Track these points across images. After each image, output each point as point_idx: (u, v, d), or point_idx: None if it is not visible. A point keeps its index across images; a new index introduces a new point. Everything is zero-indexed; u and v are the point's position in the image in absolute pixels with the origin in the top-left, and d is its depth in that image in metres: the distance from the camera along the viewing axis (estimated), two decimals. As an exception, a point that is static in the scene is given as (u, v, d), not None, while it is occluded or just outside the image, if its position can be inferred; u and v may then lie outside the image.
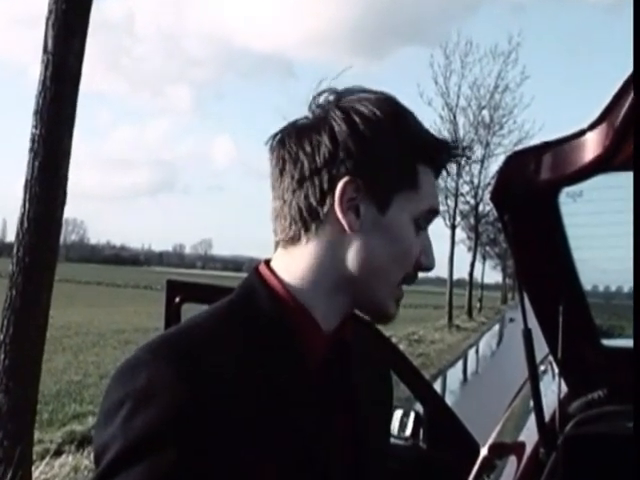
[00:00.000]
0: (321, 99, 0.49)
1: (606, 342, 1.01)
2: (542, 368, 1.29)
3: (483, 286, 29.88)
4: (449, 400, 4.57)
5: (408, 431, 1.27)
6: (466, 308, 18.47)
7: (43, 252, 2.57)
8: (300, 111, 0.50)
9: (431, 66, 14.53)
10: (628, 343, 0.96)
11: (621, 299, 1.07)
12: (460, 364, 9.30)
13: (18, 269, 2.54)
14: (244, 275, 0.54)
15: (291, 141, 0.49)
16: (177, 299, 1.22)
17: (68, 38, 2.51)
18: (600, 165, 0.71)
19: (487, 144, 15.37)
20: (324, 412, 0.48)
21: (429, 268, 0.50)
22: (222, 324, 0.47)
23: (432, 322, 14.30)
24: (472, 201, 16.06)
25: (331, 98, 0.49)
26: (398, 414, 1.28)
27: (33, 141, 2.53)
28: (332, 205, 0.48)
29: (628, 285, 0.95)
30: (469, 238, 20.92)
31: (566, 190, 0.80)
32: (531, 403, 0.92)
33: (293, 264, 0.49)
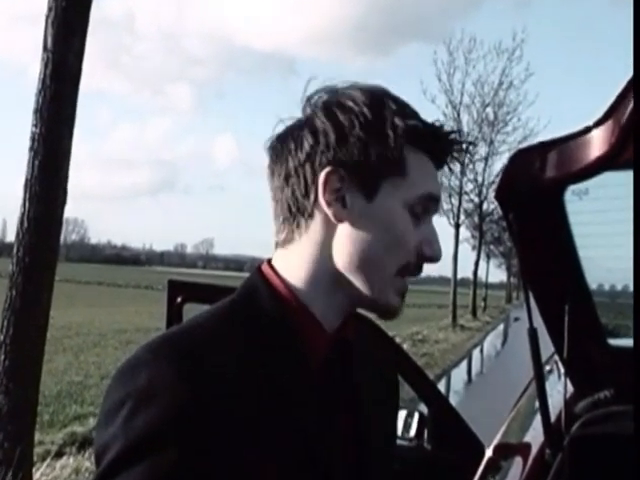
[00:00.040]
0: (313, 99, 0.49)
1: (612, 341, 1.00)
2: (548, 368, 1.28)
3: (487, 285, 29.50)
4: (453, 400, 4.56)
5: (412, 432, 1.26)
6: (470, 307, 18.35)
7: (43, 252, 2.57)
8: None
9: (434, 63, 14.49)
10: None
11: (627, 298, 1.06)
12: (464, 364, 9.29)
13: (18, 269, 2.54)
14: (246, 275, 0.54)
15: (279, 141, 0.49)
16: (179, 299, 1.22)
17: (68, 36, 2.50)
18: (606, 163, 0.70)
19: (491, 142, 15.28)
20: (326, 412, 0.47)
21: (434, 259, 0.49)
22: (224, 324, 0.47)
23: (436, 321, 14.25)
24: (476, 199, 16.00)
25: (321, 97, 0.49)
26: (402, 415, 1.28)
27: (33, 140, 2.52)
28: (317, 198, 0.48)
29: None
30: (473, 237, 20.77)
31: (572, 188, 0.79)
32: (536, 403, 0.92)
33: (291, 263, 0.49)
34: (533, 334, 0.84)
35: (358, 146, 0.47)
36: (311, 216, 0.48)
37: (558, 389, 1.01)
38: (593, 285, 0.92)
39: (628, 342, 1.01)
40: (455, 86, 14.51)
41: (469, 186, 15.52)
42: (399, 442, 1.27)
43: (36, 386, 2.59)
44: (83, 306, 13.71)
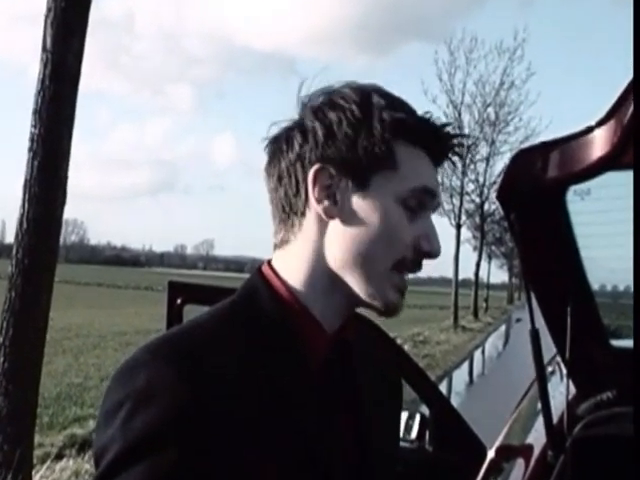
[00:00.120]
0: (306, 100, 0.50)
1: (615, 342, 1.00)
2: (550, 369, 1.28)
3: (489, 286, 29.46)
4: (455, 402, 4.56)
5: (414, 433, 1.26)
6: (472, 308, 18.30)
7: (43, 253, 2.56)
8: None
9: (435, 63, 14.44)
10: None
11: (629, 299, 1.06)
12: (466, 365, 9.26)
13: (17, 270, 2.53)
14: (246, 276, 0.54)
15: (272, 143, 0.50)
16: (179, 300, 1.21)
17: (67, 37, 2.50)
18: (608, 163, 0.70)
19: (493, 142, 15.21)
20: (326, 412, 0.47)
21: (432, 254, 0.49)
22: (224, 325, 0.47)
23: (437, 323, 14.21)
24: (477, 200, 15.95)
25: (315, 97, 0.49)
26: (403, 416, 1.27)
27: (32, 141, 2.52)
28: (308, 196, 0.48)
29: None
30: (475, 237, 20.89)
31: (574, 188, 0.79)
32: (539, 405, 0.91)
33: (289, 264, 0.49)
34: (535, 335, 0.84)
35: (346, 142, 0.47)
36: (303, 214, 0.48)
37: (560, 390, 1.01)
38: (595, 286, 0.92)
39: (631, 343, 1.00)
40: (456, 86, 14.49)
41: (470, 186, 15.52)
42: (400, 444, 1.26)
43: (35, 388, 2.58)
44: (83, 308, 13.68)
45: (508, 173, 0.77)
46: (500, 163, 15.03)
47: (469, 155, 14.55)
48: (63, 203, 2.60)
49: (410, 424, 1.26)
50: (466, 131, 13.97)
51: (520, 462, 1.00)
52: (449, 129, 0.49)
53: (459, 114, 14.38)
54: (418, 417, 1.27)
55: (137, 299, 19.03)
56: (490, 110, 14.85)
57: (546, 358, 0.93)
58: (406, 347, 7.95)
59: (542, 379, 0.87)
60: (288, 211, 0.49)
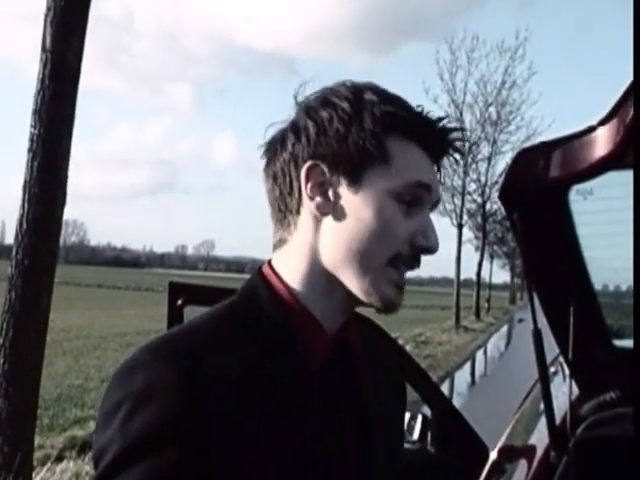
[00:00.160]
0: (302, 100, 0.50)
1: (617, 342, 0.99)
2: (552, 369, 1.27)
3: (491, 286, 29.29)
4: (457, 403, 4.55)
5: (416, 434, 1.25)
6: (474, 309, 18.23)
7: (42, 254, 2.56)
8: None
9: (437, 62, 14.39)
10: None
11: (632, 298, 1.06)
12: (468, 366, 9.23)
13: (17, 272, 2.52)
14: (247, 276, 0.53)
15: (268, 145, 0.50)
16: (179, 301, 1.21)
17: (67, 36, 2.49)
18: (611, 162, 0.69)
19: (494, 141, 15.17)
20: (327, 413, 0.47)
21: (430, 249, 0.48)
22: (224, 325, 0.47)
23: (439, 323, 14.17)
24: (479, 199, 15.91)
25: (310, 97, 0.49)
26: (406, 417, 1.27)
27: (32, 141, 2.51)
28: (301, 194, 0.48)
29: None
30: (476, 237, 20.70)
31: (576, 188, 0.78)
32: (541, 405, 0.91)
33: (288, 264, 0.49)
34: (538, 335, 0.83)
35: (337, 138, 0.47)
36: (298, 213, 0.48)
37: (563, 391, 1.00)
38: (598, 286, 0.91)
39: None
40: (458, 85, 14.44)
41: (472, 186, 15.47)
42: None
43: (36, 390, 2.57)
44: (83, 309, 13.68)
45: (510, 173, 0.76)
46: (502, 163, 15.02)
47: (471, 155, 14.53)
48: (63, 204, 2.60)
49: (412, 425, 1.26)
50: (467, 131, 14.05)
51: (523, 463, 1.00)
52: (445, 123, 0.49)
53: (461, 113, 14.34)
54: (420, 418, 1.27)
55: (138, 300, 19.02)
56: (492, 109, 14.84)
57: (549, 358, 0.93)
58: (408, 348, 7.93)
59: (545, 379, 0.86)
60: (284, 210, 0.49)
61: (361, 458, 0.49)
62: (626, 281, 1.04)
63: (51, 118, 2.50)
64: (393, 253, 0.47)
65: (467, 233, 19.39)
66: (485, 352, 11.52)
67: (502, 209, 0.83)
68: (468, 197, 15.39)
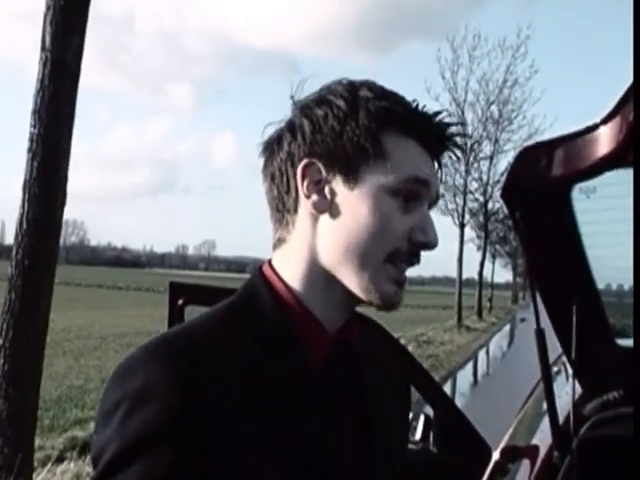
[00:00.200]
0: (299, 99, 0.50)
1: (621, 342, 0.99)
2: (555, 369, 1.27)
3: (493, 285, 29.09)
4: (459, 402, 4.55)
5: (418, 434, 1.25)
6: (476, 308, 18.16)
7: (42, 254, 2.55)
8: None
9: (438, 60, 14.35)
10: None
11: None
12: (470, 365, 9.22)
13: (17, 272, 2.52)
14: (248, 276, 0.53)
15: (265, 145, 0.50)
16: (180, 301, 1.20)
17: (66, 35, 2.49)
18: (614, 160, 0.69)
19: (496, 140, 15.10)
20: (327, 412, 0.47)
21: (428, 245, 0.48)
22: (223, 325, 0.46)
23: (441, 323, 14.15)
24: (481, 199, 15.81)
25: (307, 96, 0.49)
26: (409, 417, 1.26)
27: (32, 141, 2.51)
28: (298, 192, 0.48)
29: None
30: (478, 237, 20.58)
31: (579, 186, 0.78)
32: (544, 405, 0.90)
33: (288, 263, 0.49)
34: (540, 334, 0.83)
35: (332, 136, 0.47)
36: (296, 212, 0.48)
37: (566, 390, 1.00)
38: (601, 284, 0.91)
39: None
40: (459, 84, 14.39)
41: (474, 185, 15.42)
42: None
43: (36, 390, 2.57)
44: (83, 309, 13.69)
45: (512, 171, 0.76)
46: (504, 161, 14.95)
47: (472, 153, 14.50)
48: (63, 203, 2.59)
49: (414, 425, 1.25)
50: (469, 129, 13.90)
51: (526, 463, 0.99)
52: (442, 117, 0.48)
53: (462, 112, 14.25)
54: (422, 418, 1.26)
55: (138, 300, 19.01)
56: (493, 108, 14.78)
57: (551, 358, 0.92)
58: (410, 347, 7.90)
59: (548, 379, 0.86)
60: (282, 210, 0.49)
61: (362, 458, 0.49)
62: (629, 280, 1.03)
63: (51, 118, 2.49)
64: (391, 250, 0.47)
65: (469, 232, 19.41)
66: (487, 352, 11.50)
67: (504, 208, 0.83)
68: (470, 196, 15.33)
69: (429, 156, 0.48)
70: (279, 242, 0.50)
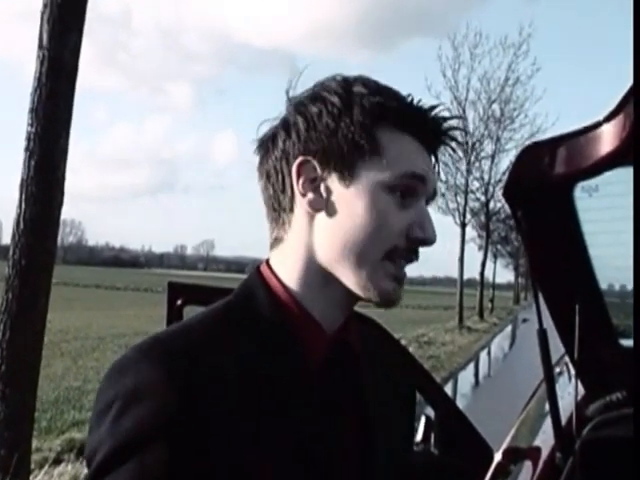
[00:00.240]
0: (293, 97, 0.49)
1: (624, 342, 0.98)
2: (558, 369, 1.26)
3: (494, 286, 28.85)
4: (461, 404, 4.54)
5: (419, 436, 1.24)
6: (477, 309, 18.05)
7: (40, 254, 2.55)
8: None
9: (439, 58, 14.25)
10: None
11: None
12: (472, 366, 9.19)
13: (14, 272, 2.51)
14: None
15: (260, 143, 0.50)
16: (179, 301, 1.19)
17: (64, 33, 2.48)
18: (616, 159, 0.68)
19: (498, 139, 15.00)
20: (326, 412, 0.46)
21: (427, 241, 0.47)
22: (219, 325, 0.46)
23: (442, 323, 14.10)
24: (482, 198, 15.70)
25: (302, 93, 0.49)
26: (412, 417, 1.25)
27: (29, 140, 2.50)
28: (294, 191, 0.47)
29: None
30: (480, 236, 20.43)
31: (581, 184, 0.77)
32: (546, 406, 0.90)
33: (285, 263, 0.48)
34: (543, 335, 0.82)
35: (327, 133, 0.46)
36: (292, 211, 0.48)
37: (569, 391, 0.99)
38: (604, 284, 0.90)
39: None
40: (460, 82, 14.29)
41: (475, 184, 15.32)
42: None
43: (33, 391, 2.56)
44: (81, 310, 13.67)
45: (514, 170, 0.75)
46: (505, 160, 14.86)
47: (474, 153, 14.44)
48: (61, 203, 2.58)
49: (415, 426, 1.25)
50: (470, 128, 13.91)
51: (528, 465, 0.99)
52: (438, 112, 0.47)
53: (463, 111, 14.15)
54: (423, 419, 1.26)
55: (136, 301, 18.99)
56: (495, 107, 14.68)
57: (554, 358, 0.91)
58: (411, 348, 7.87)
59: (550, 380, 0.85)
60: (278, 209, 0.48)
61: (361, 458, 0.48)
62: (632, 280, 1.03)
63: (48, 116, 2.48)
64: (389, 247, 0.46)
65: (470, 232, 18.99)
66: (489, 353, 11.45)
67: (506, 207, 0.83)
68: (471, 195, 15.23)
69: (426, 151, 0.48)
70: (276, 241, 0.49)
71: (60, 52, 2.47)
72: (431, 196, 0.49)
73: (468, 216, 15.29)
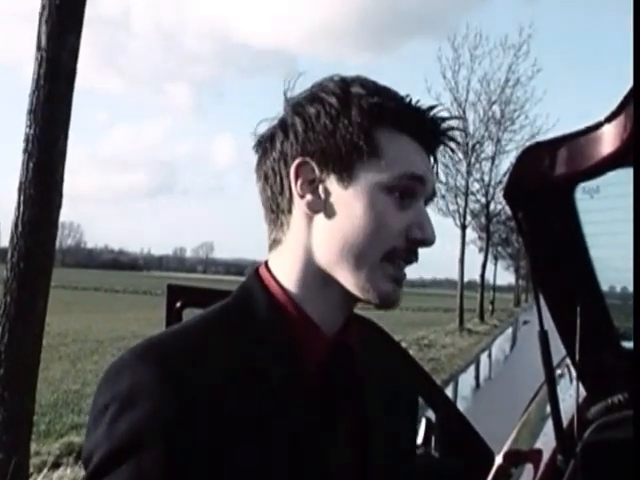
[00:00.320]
0: (291, 98, 0.49)
1: (625, 344, 0.98)
2: (559, 371, 1.26)
3: (495, 288, 28.52)
4: (461, 406, 4.53)
5: (420, 438, 1.24)
6: (478, 311, 17.91)
7: (38, 257, 2.53)
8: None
9: (439, 60, 14.17)
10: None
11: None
12: (472, 369, 9.17)
13: (12, 275, 2.50)
14: (246, 278, 0.52)
15: (257, 145, 0.50)
16: (178, 304, 1.19)
17: (62, 34, 2.47)
18: (618, 159, 0.68)
19: (498, 140, 14.89)
20: (325, 414, 0.46)
21: (426, 242, 0.47)
22: (216, 327, 0.46)
23: (443, 326, 14.03)
24: (483, 200, 15.62)
25: (299, 94, 0.48)
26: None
27: (27, 142, 2.49)
28: (292, 192, 0.47)
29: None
30: (480, 238, 20.36)
31: (582, 186, 0.77)
32: (548, 408, 0.89)
33: (283, 265, 0.48)
34: (544, 337, 0.82)
35: (325, 134, 0.46)
36: (290, 212, 0.48)
37: (570, 393, 0.99)
38: (605, 286, 0.90)
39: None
40: (460, 83, 14.21)
41: (475, 186, 15.23)
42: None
43: (32, 395, 2.54)
44: (80, 312, 13.62)
45: (515, 171, 0.75)
46: (506, 162, 14.79)
47: (474, 154, 14.35)
48: (59, 205, 2.57)
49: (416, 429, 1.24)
50: (471, 129, 13.82)
51: (529, 467, 0.98)
52: (436, 112, 0.47)
53: (463, 112, 14.04)
54: (424, 422, 1.25)
55: (135, 303, 18.94)
56: (495, 108, 14.59)
57: (555, 360, 0.91)
58: (411, 351, 7.87)
59: (551, 382, 0.85)
60: (276, 210, 0.48)
61: (361, 459, 0.48)
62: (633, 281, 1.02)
63: (46, 118, 2.47)
64: (388, 248, 0.46)
65: (471, 234, 18.82)
66: (489, 355, 11.42)
67: (506, 209, 0.83)
68: (472, 197, 15.15)
69: (424, 151, 0.48)
70: (274, 243, 0.49)
71: (58, 53, 2.45)
72: (430, 197, 0.48)
73: (468, 218, 15.25)
